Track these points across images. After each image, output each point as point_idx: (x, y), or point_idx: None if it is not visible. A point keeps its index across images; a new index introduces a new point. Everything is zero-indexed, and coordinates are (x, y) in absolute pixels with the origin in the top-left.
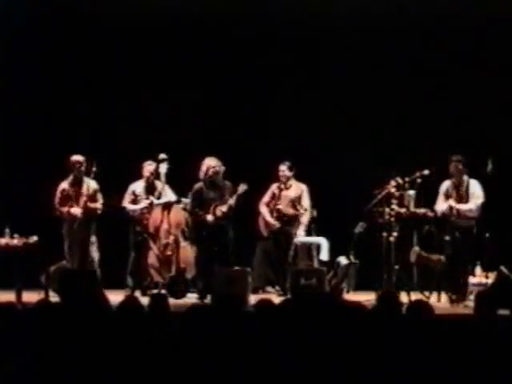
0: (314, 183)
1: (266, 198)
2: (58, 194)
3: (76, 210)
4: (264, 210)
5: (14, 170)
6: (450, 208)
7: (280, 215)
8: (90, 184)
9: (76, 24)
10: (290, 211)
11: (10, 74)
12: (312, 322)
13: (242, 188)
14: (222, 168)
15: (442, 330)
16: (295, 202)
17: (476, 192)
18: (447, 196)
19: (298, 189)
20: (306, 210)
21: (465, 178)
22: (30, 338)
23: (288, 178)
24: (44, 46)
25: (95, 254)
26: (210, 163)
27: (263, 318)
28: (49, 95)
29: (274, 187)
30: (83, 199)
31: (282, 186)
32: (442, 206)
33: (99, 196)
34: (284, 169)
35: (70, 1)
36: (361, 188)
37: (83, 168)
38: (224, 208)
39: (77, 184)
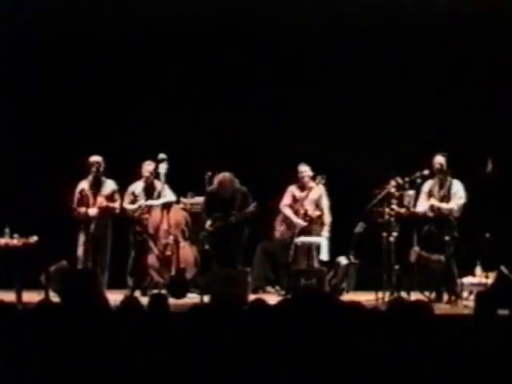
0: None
1: (287, 200)
2: (77, 195)
3: (93, 211)
4: (288, 211)
5: (14, 170)
6: (432, 207)
7: (306, 217)
8: (109, 184)
9: (79, 26)
10: (316, 212)
11: (10, 74)
12: (311, 321)
13: (252, 208)
14: (234, 181)
15: (442, 329)
16: (317, 203)
17: (458, 192)
18: (430, 195)
19: (318, 189)
20: (323, 213)
21: (448, 177)
22: (29, 338)
23: (313, 177)
24: (44, 48)
25: (107, 255)
26: (221, 179)
27: (257, 318)
28: (49, 96)
29: (292, 189)
30: (100, 200)
31: (312, 184)
32: (423, 205)
33: (117, 196)
34: (306, 169)
35: (71, 2)
36: (361, 188)
37: (102, 168)
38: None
39: (96, 184)
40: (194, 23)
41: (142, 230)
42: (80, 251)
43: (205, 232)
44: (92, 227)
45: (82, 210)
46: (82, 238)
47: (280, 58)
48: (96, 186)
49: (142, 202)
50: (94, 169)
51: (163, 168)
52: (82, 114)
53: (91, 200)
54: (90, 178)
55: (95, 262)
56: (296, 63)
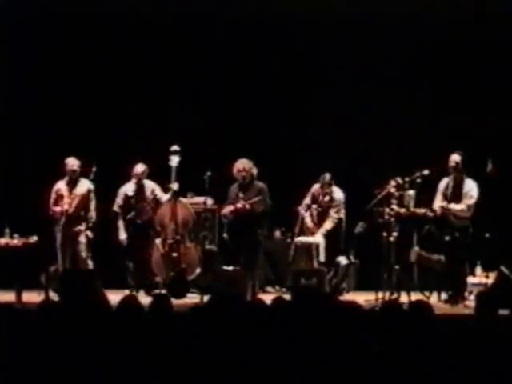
0: (313, 183)
1: (307, 200)
2: (53, 195)
3: (68, 209)
4: (303, 213)
5: (15, 171)
6: (442, 208)
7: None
8: (85, 184)
9: (77, 25)
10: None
11: (10, 74)
12: (310, 321)
13: (256, 199)
14: (254, 170)
15: (441, 329)
16: (329, 210)
17: (470, 192)
18: (444, 194)
19: (334, 199)
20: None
21: (463, 176)
22: (29, 338)
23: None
24: (43, 48)
25: (84, 253)
26: (238, 166)
27: (256, 318)
28: (49, 97)
29: (316, 188)
30: (75, 201)
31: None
32: (437, 205)
33: (92, 196)
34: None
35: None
36: (361, 188)
37: (75, 169)
38: (232, 207)
39: (71, 185)
40: (198, 21)
41: (147, 225)
42: (58, 252)
43: (207, 232)
44: (63, 225)
45: (58, 208)
46: (58, 239)
47: (282, 58)
48: (71, 187)
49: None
50: (70, 169)
51: (175, 161)
52: (81, 115)
53: (66, 199)
54: (66, 178)
55: (74, 262)
56: (295, 63)
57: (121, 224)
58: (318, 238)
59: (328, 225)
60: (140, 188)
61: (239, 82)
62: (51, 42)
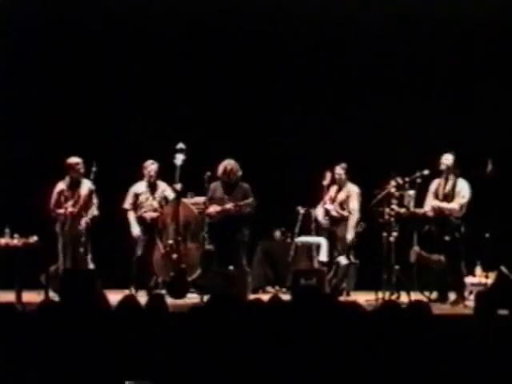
0: (313, 183)
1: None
2: (55, 196)
3: (73, 211)
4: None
5: (15, 170)
6: (433, 207)
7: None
8: (86, 185)
9: (76, 24)
10: (337, 213)
11: (10, 74)
12: (310, 321)
13: (247, 201)
14: (239, 171)
15: (441, 329)
16: (344, 204)
17: (462, 191)
18: (436, 195)
19: (348, 191)
20: (350, 212)
21: (452, 176)
22: (29, 338)
23: (343, 181)
24: (43, 46)
25: (84, 252)
26: (226, 165)
27: (256, 318)
28: (49, 96)
29: (332, 189)
30: (79, 203)
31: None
32: (428, 205)
33: (94, 196)
34: (340, 172)
35: (67, 1)
36: (361, 188)
37: (80, 170)
38: (218, 208)
39: (73, 186)
40: (198, 23)
41: (150, 223)
42: (60, 253)
43: (205, 233)
44: (66, 226)
45: (61, 211)
46: (60, 240)
47: (282, 59)
48: (74, 188)
49: (154, 203)
50: (75, 169)
51: (180, 159)
52: (81, 114)
53: (70, 201)
54: (68, 179)
55: (74, 262)
56: (296, 64)
57: (133, 220)
58: (320, 238)
59: (352, 222)
60: (153, 187)
61: (239, 82)
62: (51, 42)
